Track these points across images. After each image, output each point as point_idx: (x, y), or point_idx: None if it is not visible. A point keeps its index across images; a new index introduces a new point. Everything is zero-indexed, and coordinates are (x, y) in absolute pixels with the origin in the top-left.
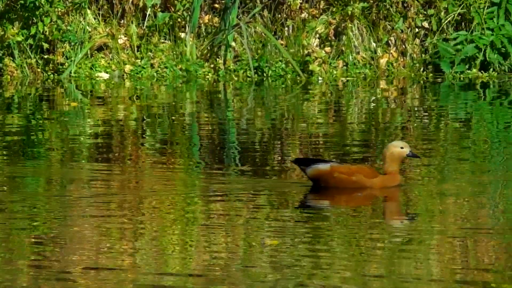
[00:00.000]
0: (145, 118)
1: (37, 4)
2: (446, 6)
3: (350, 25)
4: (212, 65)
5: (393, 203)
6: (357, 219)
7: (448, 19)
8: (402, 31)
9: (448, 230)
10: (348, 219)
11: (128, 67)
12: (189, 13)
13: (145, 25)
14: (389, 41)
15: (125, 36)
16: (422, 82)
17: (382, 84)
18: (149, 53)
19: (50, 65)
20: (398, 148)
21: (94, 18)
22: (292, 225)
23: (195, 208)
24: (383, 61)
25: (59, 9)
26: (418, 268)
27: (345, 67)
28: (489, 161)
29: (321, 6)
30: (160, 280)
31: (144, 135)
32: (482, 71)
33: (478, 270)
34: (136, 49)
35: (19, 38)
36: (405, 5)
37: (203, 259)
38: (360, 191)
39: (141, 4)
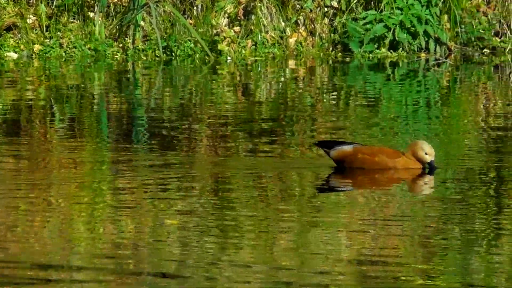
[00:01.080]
0: (53, 97)
1: None
2: None
3: (259, 4)
4: (121, 45)
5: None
6: (265, 192)
7: None
8: (311, 10)
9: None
10: (268, 196)
11: (37, 47)
12: None
13: (54, 4)
14: (298, 21)
15: (34, 16)
16: (331, 61)
17: (291, 63)
18: (58, 32)
19: None
20: (423, 152)
21: None
22: (199, 202)
23: (101, 186)
24: (292, 41)
25: None
26: (327, 243)
27: (254, 47)
28: (398, 138)
29: None
30: (69, 260)
31: (52, 114)
32: (391, 50)
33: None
34: (45, 29)
35: None
36: None
37: (110, 238)
38: (383, 172)
39: None
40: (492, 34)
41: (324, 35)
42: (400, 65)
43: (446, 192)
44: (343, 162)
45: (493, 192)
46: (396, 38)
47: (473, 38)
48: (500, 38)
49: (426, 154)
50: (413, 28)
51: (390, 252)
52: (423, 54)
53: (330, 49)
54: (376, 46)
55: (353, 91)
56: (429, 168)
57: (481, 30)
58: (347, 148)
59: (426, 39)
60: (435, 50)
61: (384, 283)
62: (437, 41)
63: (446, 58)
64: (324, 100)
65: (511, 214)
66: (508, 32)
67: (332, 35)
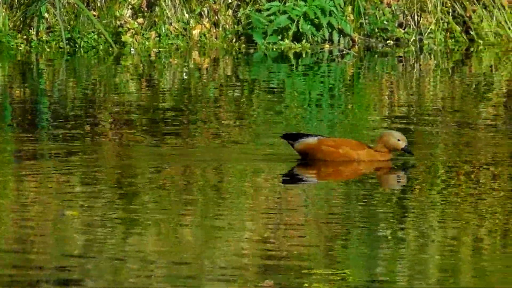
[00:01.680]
0: None
1: None
2: None
3: None
4: (24, 36)
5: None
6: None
7: None
8: (215, 2)
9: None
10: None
11: None
12: None
13: None
14: (202, 12)
15: None
16: (234, 53)
17: (195, 55)
18: None
19: None
20: (396, 139)
21: None
22: (102, 192)
23: (2, 176)
24: (195, 32)
25: None
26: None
27: (157, 38)
28: (302, 125)
29: None
30: None
31: None
32: (295, 42)
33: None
34: None
35: None
36: None
37: (7, 230)
38: (347, 164)
39: None
40: (396, 25)
41: (227, 26)
42: (304, 56)
43: (352, 187)
44: (307, 155)
45: (399, 181)
46: (300, 30)
47: (376, 30)
48: (403, 29)
49: (398, 140)
50: (317, 20)
51: (294, 244)
52: (326, 46)
53: (234, 40)
54: (279, 37)
55: (257, 82)
56: (407, 153)
57: (384, 22)
58: (311, 140)
59: (330, 31)
60: (338, 42)
61: (288, 275)
62: (341, 32)
63: (349, 49)
64: (227, 91)
65: (418, 200)
66: (412, 23)
67: (236, 26)
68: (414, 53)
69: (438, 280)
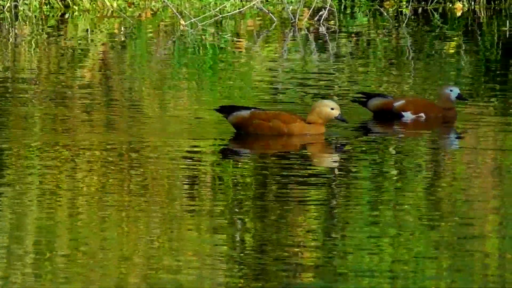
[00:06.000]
0: None
1: None
2: None
3: None
4: None
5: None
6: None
7: None
8: None
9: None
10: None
11: None
12: None
13: None
14: None
15: None
16: None
17: None
18: None
19: None
20: (329, 108)
21: None
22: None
23: None
24: None
25: None
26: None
27: None
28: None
29: None
30: None
31: None
32: None
33: None
34: None
35: None
36: None
37: None
38: (279, 138)
39: None
40: None
41: None
42: None
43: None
44: (240, 128)
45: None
46: None
47: None
48: None
49: (332, 109)
50: None
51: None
52: None
53: None
54: None
55: None
56: (341, 121)
57: None
58: (244, 113)
59: None
60: None
61: None
62: None
63: None
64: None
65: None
66: None
67: None
68: (10, 19)
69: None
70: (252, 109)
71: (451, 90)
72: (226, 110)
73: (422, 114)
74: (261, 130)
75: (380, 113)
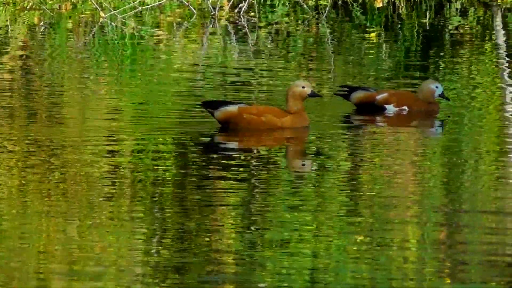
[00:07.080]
0: None
1: None
2: None
3: None
4: None
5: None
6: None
7: None
8: None
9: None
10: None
11: None
12: None
13: None
14: None
15: None
16: None
17: None
18: None
19: None
20: (300, 87)
21: None
22: None
23: None
24: None
25: None
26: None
27: None
28: None
29: None
30: None
31: None
32: None
33: None
34: None
35: None
36: None
37: None
38: (271, 132)
39: None
40: None
41: None
42: None
43: None
44: (228, 123)
45: None
46: None
47: None
48: None
49: (303, 87)
50: None
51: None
52: None
53: None
54: None
55: None
56: (313, 96)
57: None
58: (232, 109)
59: None
60: None
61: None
62: None
63: None
64: None
65: None
66: None
67: None
68: None
69: None
70: (239, 104)
71: (436, 87)
72: (210, 105)
73: (405, 107)
74: (252, 125)
75: (363, 106)
